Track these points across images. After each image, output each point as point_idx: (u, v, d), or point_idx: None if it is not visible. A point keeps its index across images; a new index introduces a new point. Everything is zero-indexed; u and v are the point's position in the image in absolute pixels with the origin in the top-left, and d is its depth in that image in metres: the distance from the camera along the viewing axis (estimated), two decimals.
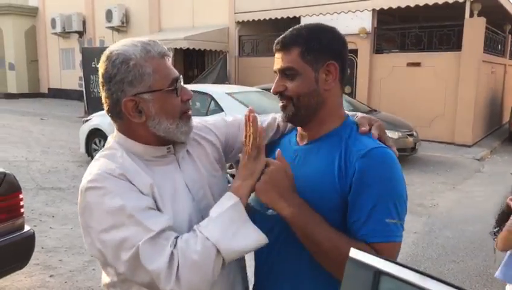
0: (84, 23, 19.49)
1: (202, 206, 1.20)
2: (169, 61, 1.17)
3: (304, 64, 1.18)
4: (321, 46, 1.19)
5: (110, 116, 1.17)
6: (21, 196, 2.97)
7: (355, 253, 0.71)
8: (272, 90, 1.23)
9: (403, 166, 7.15)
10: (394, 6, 11.47)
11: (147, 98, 1.11)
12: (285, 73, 1.20)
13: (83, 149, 8.34)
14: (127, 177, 1.09)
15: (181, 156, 1.22)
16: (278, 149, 1.17)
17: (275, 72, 1.23)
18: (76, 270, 3.91)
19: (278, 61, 1.22)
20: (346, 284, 0.71)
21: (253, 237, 1.08)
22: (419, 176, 7.72)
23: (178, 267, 1.02)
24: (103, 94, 1.15)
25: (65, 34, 20.16)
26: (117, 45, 1.14)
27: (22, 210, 2.98)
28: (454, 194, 6.77)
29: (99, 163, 1.13)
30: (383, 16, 12.30)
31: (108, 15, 17.62)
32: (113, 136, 1.21)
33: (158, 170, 1.16)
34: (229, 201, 1.09)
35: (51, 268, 3.94)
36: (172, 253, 1.02)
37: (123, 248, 1.04)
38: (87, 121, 8.45)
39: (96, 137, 8.10)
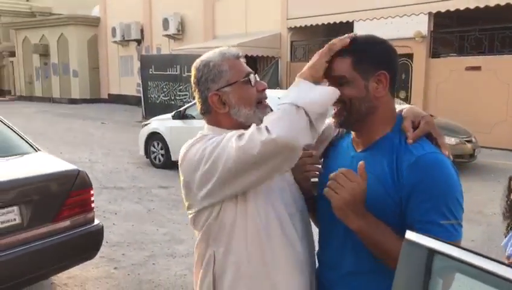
0: (142, 31, 20.37)
1: (293, 189, 1.39)
2: (243, 61, 1.39)
3: (354, 74, 1.25)
4: (372, 57, 1.26)
5: (202, 114, 1.40)
6: (92, 192, 3.22)
7: (410, 235, 0.79)
8: None
9: (461, 173, 6.95)
10: (452, 9, 11.13)
11: (227, 90, 1.34)
12: (337, 81, 1.27)
13: (142, 151, 8.76)
14: None
15: None
16: (361, 162, 1.20)
17: (325, 77, 1.30)
18: (138, 264, 4.15)
19: (329, 67, 1.29)
20: (402, 263, 0.79)
21: (326, 91, 1.21)
22: (479, 184, 7.45)
23: (267, 128, 1.15)
24: (196, 96, 1.40)
25: (124, 42, 21.14)
26: (202, 56, 1.40)
27: (93, 205, 3.24)
28: None
29: (193, 141, 1.35)
30: (440, 19, 11.97)
31: (165, 23, 18.31)
32: (202, 132, 1.41)
33: None
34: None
35: (115, 261, 4.21)
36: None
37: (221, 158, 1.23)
38: (146, 125, 8.87)
39: (154, 140, 8.48)
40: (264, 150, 1.13)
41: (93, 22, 23.13)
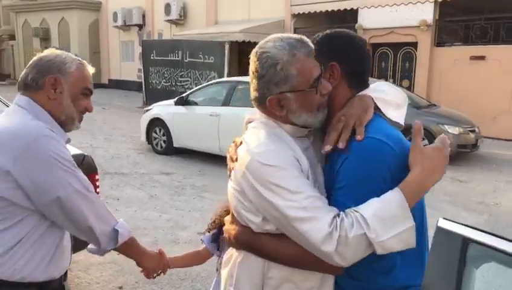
0: (143, 16, 20.18)
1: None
2: (313, 61, 1.26)
3: None
4: (328, 50, 1.30)
5: (256, 104, 1.31)
6: (97, 177, 3.20)
7: (443, 223, 0.76)
8: None
9: (463, 162, 6.96)
10: None
11: (289, 96, 1.24)
12: None
13: (143, 137, 8.72)
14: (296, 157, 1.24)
15: (312, 137, 1.36)
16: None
17: None
18: None
19: None
20: (435, 252, 0.77)
21: (406, 242, 1.11)
22: (481, 174, 7.44)
23: (337, 250, 1.12)
24: (252, 85, 1.30)
25: (125, 27, 20.97)
26: (267, 44, 1.27)
27: (98, 190, 3.22)
28: None
29: (265, 138, 1.26)
30: (445, 8, 11.85)
31: (167, 8, 18.14)
32: (257, 116, 1.34)
33: (299, 145, 1.29)
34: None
35: None
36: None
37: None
38: (148, 110, 8.82)
39: (156, 126, 8.44)
40: (317, 253, 1.15)
41: (95, 6, 22.91)
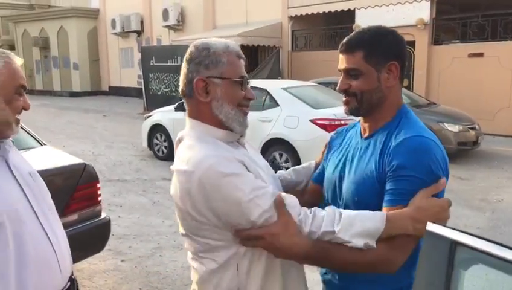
0: (142, 22, 20.27)
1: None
2: (242, 63, 1.34)
3: (367, 66, 1.30)
4: (383, 49, 1.31)
5: (183, 95, 1.34)
6: (98, 185, 3.23)
7: (432, 227, 0.78)
8: (337, 89, 1.37)
9: (465, 160, 6.89)
10: None
11: (216, 82, 1.28)
12: (350, 73, 1.33)
13: (145, 144, 8.75)
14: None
15: (244, 143, 1.41)
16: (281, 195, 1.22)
17: (340, 70, 1.36)
18: (145, 256, 4.17)
19: (342, 61, 1.34)
20: (424, 255, 0.79)
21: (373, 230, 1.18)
22: (483, 171, 7.44)
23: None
24: (182, 74, 1.33)
25: (124, 34, 21.07)
26: (207, 39, 1.34)
27: (100, 198, 3.25)
28: None
29: (202, 150, 1.25)
30: (442, 6, 11.88)
31: (165, 14, 18.22)
32: (187, 130, 1.36)
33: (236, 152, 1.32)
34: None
35: (122, 253, 4.23)
36: None
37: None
38: (149, 117, 8.85)
39: (157, 132, 8.47)
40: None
41: (93, 14, 23.02)
